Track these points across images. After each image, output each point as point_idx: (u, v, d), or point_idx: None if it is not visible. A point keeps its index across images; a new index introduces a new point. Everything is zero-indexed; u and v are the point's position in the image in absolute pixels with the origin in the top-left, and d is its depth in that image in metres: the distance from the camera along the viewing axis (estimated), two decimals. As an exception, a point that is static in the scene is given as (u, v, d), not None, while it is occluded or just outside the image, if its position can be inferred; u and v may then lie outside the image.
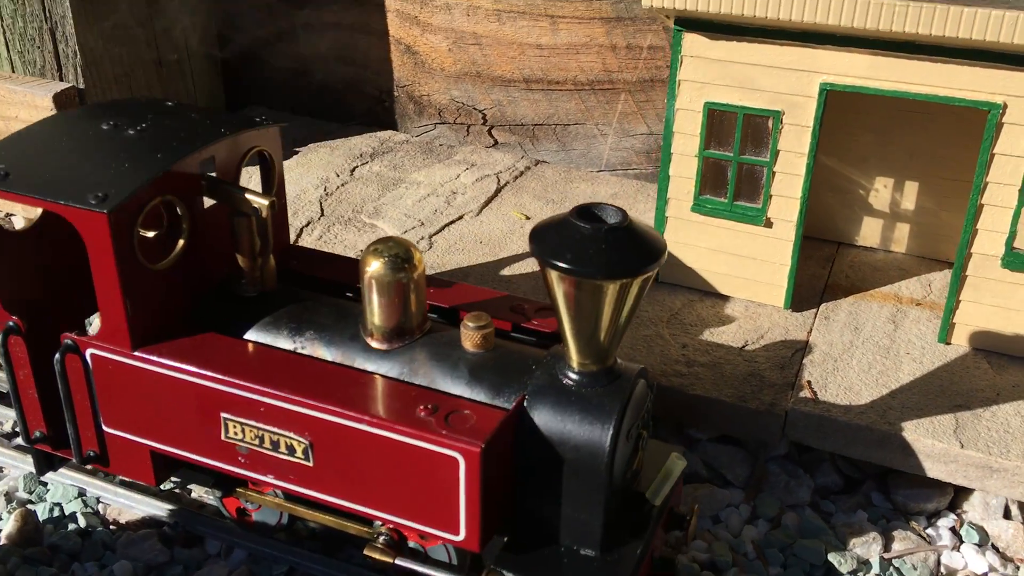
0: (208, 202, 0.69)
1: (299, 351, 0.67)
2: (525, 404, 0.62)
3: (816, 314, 0.95)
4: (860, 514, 0.81)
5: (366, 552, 0.64)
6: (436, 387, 0.64)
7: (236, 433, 0.64)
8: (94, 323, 0.85)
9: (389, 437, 0.59)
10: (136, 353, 0.65)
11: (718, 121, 0.89)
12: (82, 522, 0.77)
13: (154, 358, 0.65)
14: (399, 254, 0.64)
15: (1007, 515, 0.81)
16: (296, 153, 1.29)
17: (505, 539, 0.64)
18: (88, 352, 0.66)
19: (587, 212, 0.59)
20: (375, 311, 0.65)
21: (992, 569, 0.76)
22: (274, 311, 0.69)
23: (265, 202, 0.66)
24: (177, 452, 0.67)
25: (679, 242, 0.97)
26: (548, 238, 0.57)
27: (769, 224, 0.92)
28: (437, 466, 0.59)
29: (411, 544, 0.67)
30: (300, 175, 1.23)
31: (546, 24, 1.21)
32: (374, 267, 0.64)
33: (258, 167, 0.75)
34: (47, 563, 0.73)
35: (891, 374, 0.86)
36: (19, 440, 0.85)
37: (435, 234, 1.09)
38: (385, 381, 0.64)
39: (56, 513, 0.78)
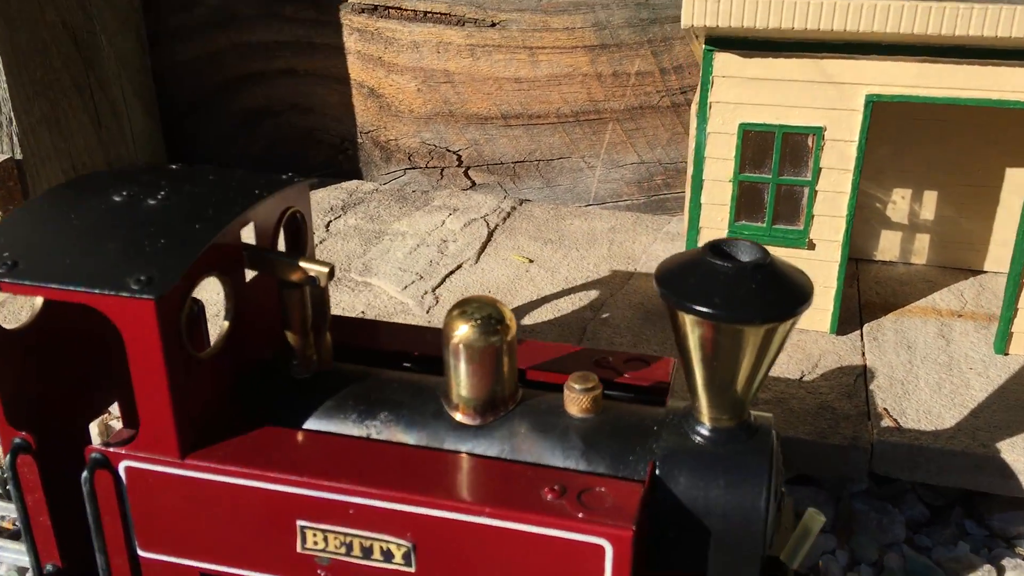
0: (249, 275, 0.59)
1: (373, 437, 0.58)
2: (657, 472, 0.54)
3: (862, 335, 0.91)
4: (962, 546, 0.76)
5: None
6: (546, 463, 0.56)
7: (316, 542, 0.54)
8: (95, 430, 0.73)
9: (515, 529, 0.51)
10: (186, 460, 0.54)
11: (753, 143, 0.84)
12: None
13: (210, 464, 0.54)
14: (492, 315, 0.56)
15: (1102, 529, 0.77)
16: (260, 212, 1.19)
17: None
18: (122, 465, 0.55)
19: (720, 250, 0.52)
20: (463, 381, 0.57)
21: (1109, 589, 0.72)
22: (336, 393, 0.60)
23: (325, 270, 0.57)
24: (237, 572, 0.57)
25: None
26: (684, 281, 0.50)
27: (812, 246, 0.87)
28: (577, 557, 0.50)
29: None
30: (272, 235, 1.12)
31: (524, 56, 1.14)
32: (463, 331, 0.55)
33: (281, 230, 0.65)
34: None
35: (963, 392, 0.81)
36: None
37: (438, 287, 1.01)
38: (493, 463, 0.55)
39: (74, 658, 0.66)
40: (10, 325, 0.58)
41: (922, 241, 1.02)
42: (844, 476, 0.78)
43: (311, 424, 0.59)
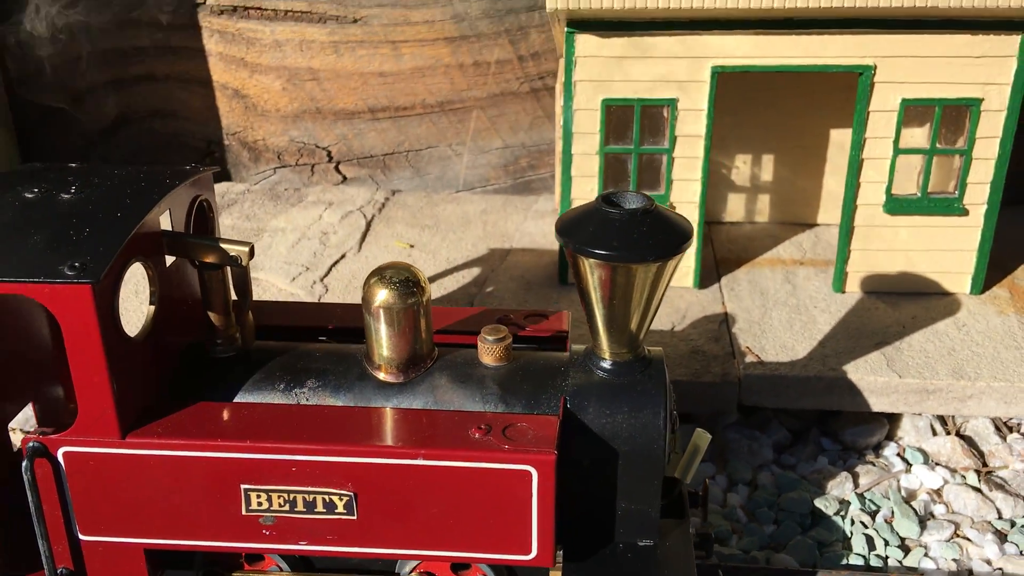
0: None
1: (304, 404, 0.62)
2: (568, 406, 0.60)
3: (720, 287, 1.00)
4: (821, 460, 0.86)
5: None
6: (468, 410, 0.61)
7: (260, 503, 0.58)
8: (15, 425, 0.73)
9: (451, 466, 0.56)
10: (127, 440, 0.57)
11: (615, 117, 0.92)
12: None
13: (151, 440, 0.57)
14: (408, 278, 0.60)
15: (934, 433, 0.89)
16: (132, 218, 1.18)
17: (561, 550, 0.62)
18: (61, 452, 0.57)
19: (611, 200, 0.59)
20: (385, 343, 0.61)
21: (945, 482, 0.84)
22: (261, 367, 0.63)
23: (245, 249, 0.60)
24: (182, 543, 0.59)
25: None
26: (583, 229, 0.57)
27: (673, 208, 0.96)
28: (506, 485, 0.56)
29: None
30: (149, 239, 1.12)
31: (388, 50, 1.19)
32: (382, 296, 0.60)
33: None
34: None
35: (811, 327, 0.92)
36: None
37: (325, 276, 1.04)
38: (421, 412, 0.60)
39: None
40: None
41: (763, 201, 1.13)
42: (718, 410, 0.87)
43: (241, 398, 0.62)
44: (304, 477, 0.57)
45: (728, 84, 1.02)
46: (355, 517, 0.58)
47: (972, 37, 0.86)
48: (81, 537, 0.60)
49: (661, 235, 0.57)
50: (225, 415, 0.59)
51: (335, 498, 0.57)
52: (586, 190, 0.96)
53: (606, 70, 0.90)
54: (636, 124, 0.92)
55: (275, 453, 0.56)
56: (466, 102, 1.21)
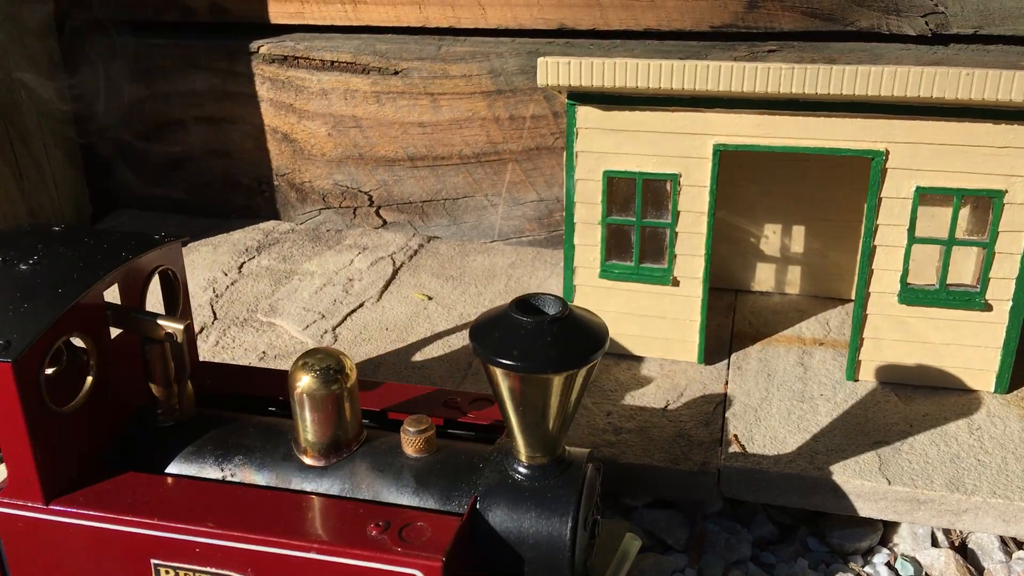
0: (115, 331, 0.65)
1: (228, 479, 0.63)
2: (477, 506, 0.60)
3: (728, 365, 0.97)
4: (801, 562, 0.82)
5: None
6: (382, 499, 0.61)
7: (170, 578, 0.60)
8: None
9: (341, 563, 0.56)
10: (50, 506, 0.60)
11: (618, 188, 0.91)
12: None
13: (71, 509, 0.60)
14: (330, 366, 0.61)
15: (935, 543, 0.84)
16: (178, 254, 1.24)
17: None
18: (-6, 511, 0.60)
19: (526, 304, 0.58)
20: (308, 427, 0.62)
21: (933, 599, 0.79)
22: (197, 439, 0.65)
23: (180, 326, 0.63)
24: (103, 607, 0.62)
25: (589, 309, 0.97)
26: (490, 335, 0.56)
27: (676, 283, 0.94)
28: (397, 586, 0.56)
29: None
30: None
31: (426, 102, 1.20)
32: (304, 382, 0.61)
33: (159, 286, 0.71)
34: None
35: (810, 418, 0.88)
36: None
37: (338, 326, 1.06)
38: (328, 501, 0.61)
39: None
40: None
41: (794, 272, 1.09)
42: (698, 499, 0.84)
43: (173, 468, 0.65)
44: (207, 558, 0.58)
45: (754, 154, 0.98)
46: (257, 600, 0.59)
47: (994, 126, 0.81)
48: (15, 593, 0.63)
49: (567, 346, 0.56)
50: (147, 489, 0.61)
51: (237, 580, 0.59)
52: (589, 259, 0.95)
53: (608, 142, 0.89)
54: (638, 197, 0.91)
55: (181, 533, 0.58)
56: (502, 154, 1.21)
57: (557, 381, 0.56)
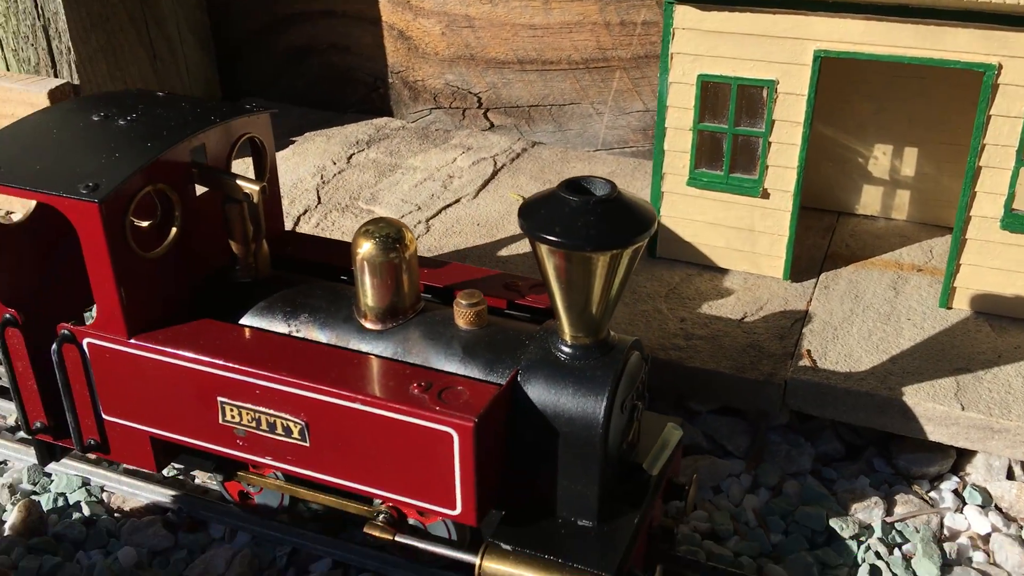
0: (200, 190, 0.69)
1: (294, 334, 0.67)
2: (519, 379, 0.62)
3: (816, 284, 0.95)
4: (862, 480, 0.81)
5: (366, 530, 0.65)
6: (430, 365, 0.64)
7: (233, 416, 0.65)
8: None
9: (383, 415, 0.60)
10: (132, 341, 0.65)
11: (712, 93, 0.89)
12: (86, 511, 0.77)
13: (150, 345, 0.65)
14: (390, 234, 0.64)
15: (1010, 476, 0.81)
16: (292, 143, 1.29)
17: (503, 513, 0.64)
18: (85, 341, 0.66)
19: (576, 185, 0.58)
20: (367, 292, 0.65)
21: (995, 529, 0.76)
22: (269, 296, 0.70)
23: (256, 187, 0.66)
24: (176, 438, 0.68)
25: (676, 216, 0.96)
26: (537, 213, 0.57)
27: (766, 195, 0.92)
28: (432, 442, 0.59)
29: (411, 521, 0.68)
30: (297, 164, 1.23)
31: (539, 4, 1.20)
32: (365, 248, 0.64)
33: (250, 155, 0.75)
34: (52, 552, 0.73)
35: (891, 340, 0.85)
36: (21, 433, 0.85)
37: (432, 217, 1.09)
38: (379, 361, 0.64)
39: (60, 503, 0.79)
40: (7, 222, 0.70)
41: (902, 197, 1.05)
42: (764, 409, 0.84)
43: (246, 320, 0.69)
44: (267, 400, 0.63)
45: (869, 68, 0.94)
46: (307, 444, 0.63)
47: (1123, 40, 0.75)
48: (104, 416, 0.70)
49: (611, 226, 0.56)
50: (217, 335, 0.66)
51: (291, 424, 0.63)
52: (679, 166, 0.94)
53: (704, 44, 0.87)
54: (732, 103, 0.88)
55: (243, 375, 0.63)
56: (610, 62, 1.20)
57: (600, 261, 0.57)
